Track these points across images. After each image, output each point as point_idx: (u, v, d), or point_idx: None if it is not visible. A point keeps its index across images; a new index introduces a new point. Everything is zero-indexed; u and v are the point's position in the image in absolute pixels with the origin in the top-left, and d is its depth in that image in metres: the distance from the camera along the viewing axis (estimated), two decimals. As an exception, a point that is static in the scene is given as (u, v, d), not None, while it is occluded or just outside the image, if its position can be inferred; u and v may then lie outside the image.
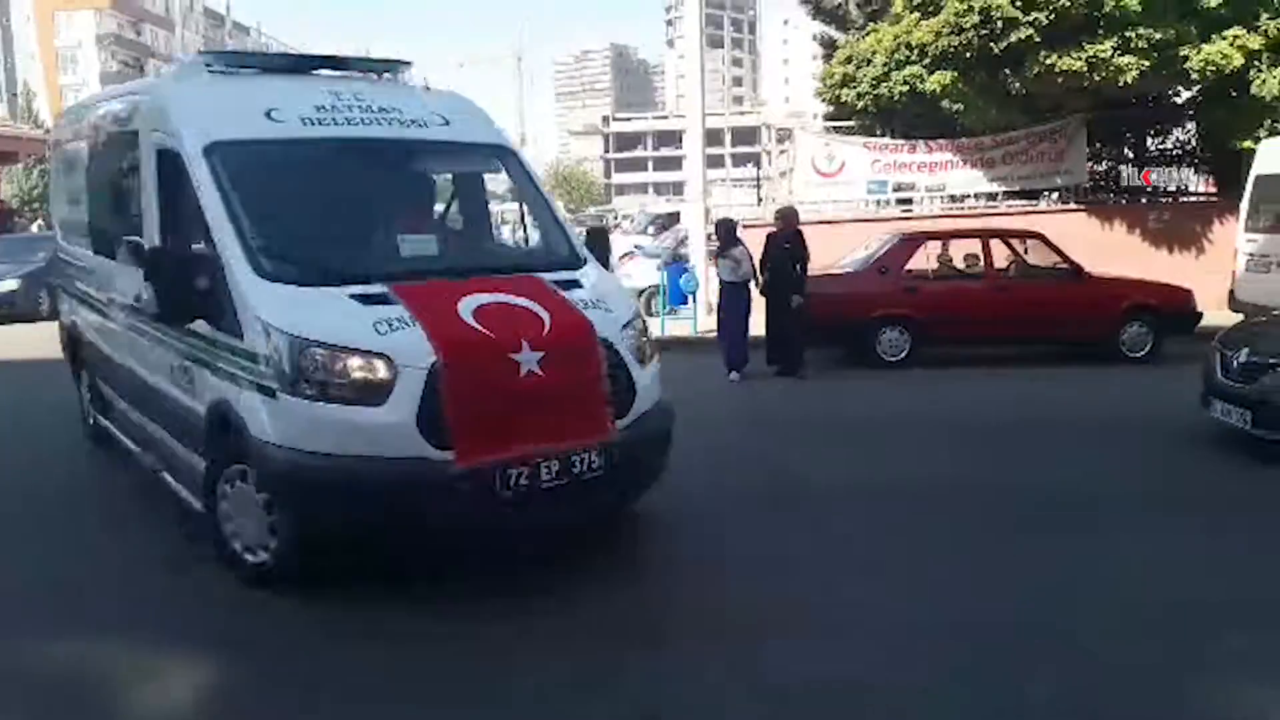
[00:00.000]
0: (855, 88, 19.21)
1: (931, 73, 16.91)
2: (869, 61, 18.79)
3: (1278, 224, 12.33)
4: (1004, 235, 12.96)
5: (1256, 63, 15.26)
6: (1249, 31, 15.04)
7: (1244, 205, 13.05)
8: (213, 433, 5.28)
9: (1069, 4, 14.72)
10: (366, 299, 5.00)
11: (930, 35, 16.41)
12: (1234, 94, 15.83)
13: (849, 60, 19.63)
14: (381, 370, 4.71)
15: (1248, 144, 14.79)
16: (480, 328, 4.97)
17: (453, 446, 4.70)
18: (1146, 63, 15.03)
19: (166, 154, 5.69)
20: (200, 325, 5.32)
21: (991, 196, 18.38)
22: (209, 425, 5.30)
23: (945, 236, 13.18)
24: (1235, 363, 7.77)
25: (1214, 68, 15.00)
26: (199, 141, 5.45)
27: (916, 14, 17.13)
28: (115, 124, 6.78)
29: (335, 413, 4.72)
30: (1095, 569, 5.38)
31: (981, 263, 12.50)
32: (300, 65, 6.55)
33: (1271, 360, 7.53)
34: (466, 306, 5.07)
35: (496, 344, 4.93)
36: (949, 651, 4.44)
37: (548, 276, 5.67)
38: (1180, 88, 16.84)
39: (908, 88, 17.68)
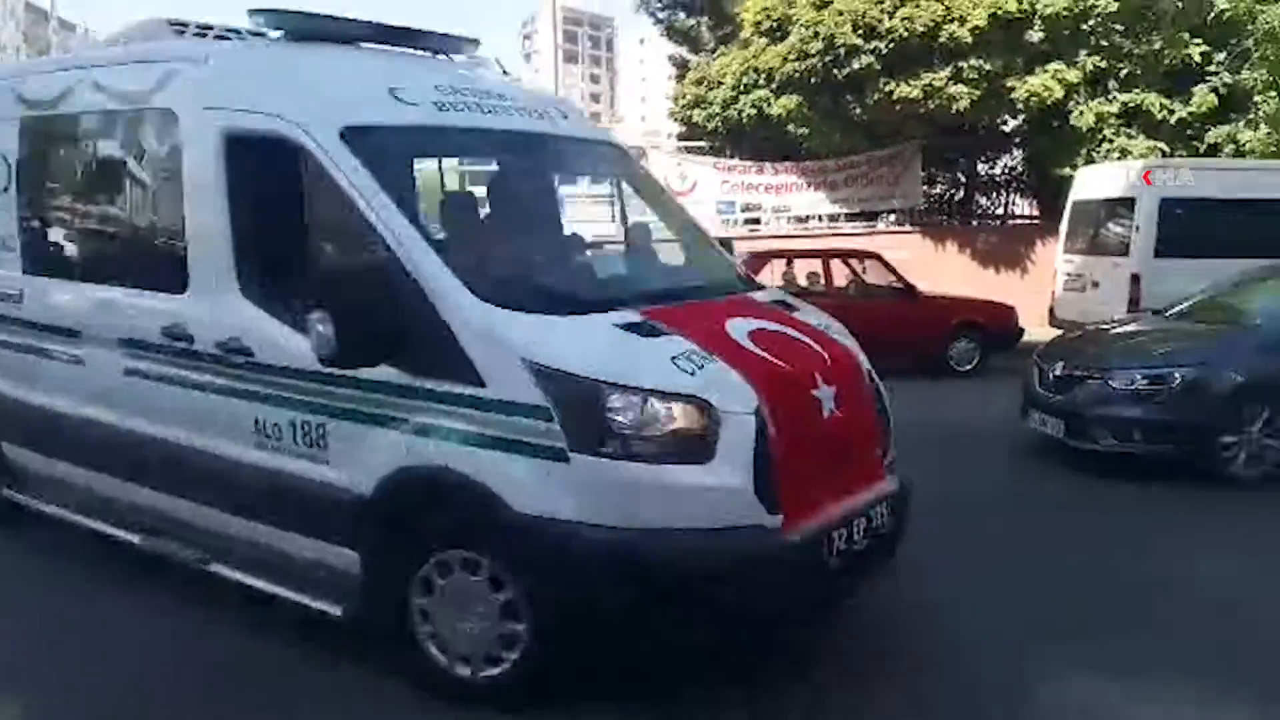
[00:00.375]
0: (706, 109, 19.66)
1: (778, 97, 17.48)
2: (719, 84, 19.27)
3: (1092, 246, 13.18)
4: (844, 255, 13.48)
5: (1075, 95, 16.35)
6: (1069, 66, 16.12)
7: (1062, 228, 13.91)
8: (399, 512, 3.97)
9: (907, 34, 15.48)
10: (633, 328, 3.95)
11: (777, 60, 16.96)
12: (1055, 124, 16.90)
13: (700, 82, 20.10)
14: (704, 418, 3.70)
15: (1067, 171, 15.79)
16: (776, 360, 4.08)
17: (781, 509, 3.77)
18: (977, 92, 15.94)
19: (251, 140, 4.31)
20: (380, 371, 3.93)
21: (834, 218, 19.08)
22: (388, 502, 3.97)
23: (789, 255, 13.60)
24: (1051, 376, 8.25)
25: (1037, 98, 16.02)
26: (329, 124, 4.12)
27: (765, 39, 17.67)
28: (111, 101, 5.00)
29: (649, 475, 3.64)
30: (937, 573, 5.59)
31: (823, 281, 12.94)
32: (381, 36, 5.00)
33: (1083, 373, 8.04)
34: (740, 334, 4.16)
35: (799, 379, 4.07)
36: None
37: (760, 298, 4.84)
38: (1008, 117, 17.87)
39: (756, 111, 18.20)
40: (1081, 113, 16.33)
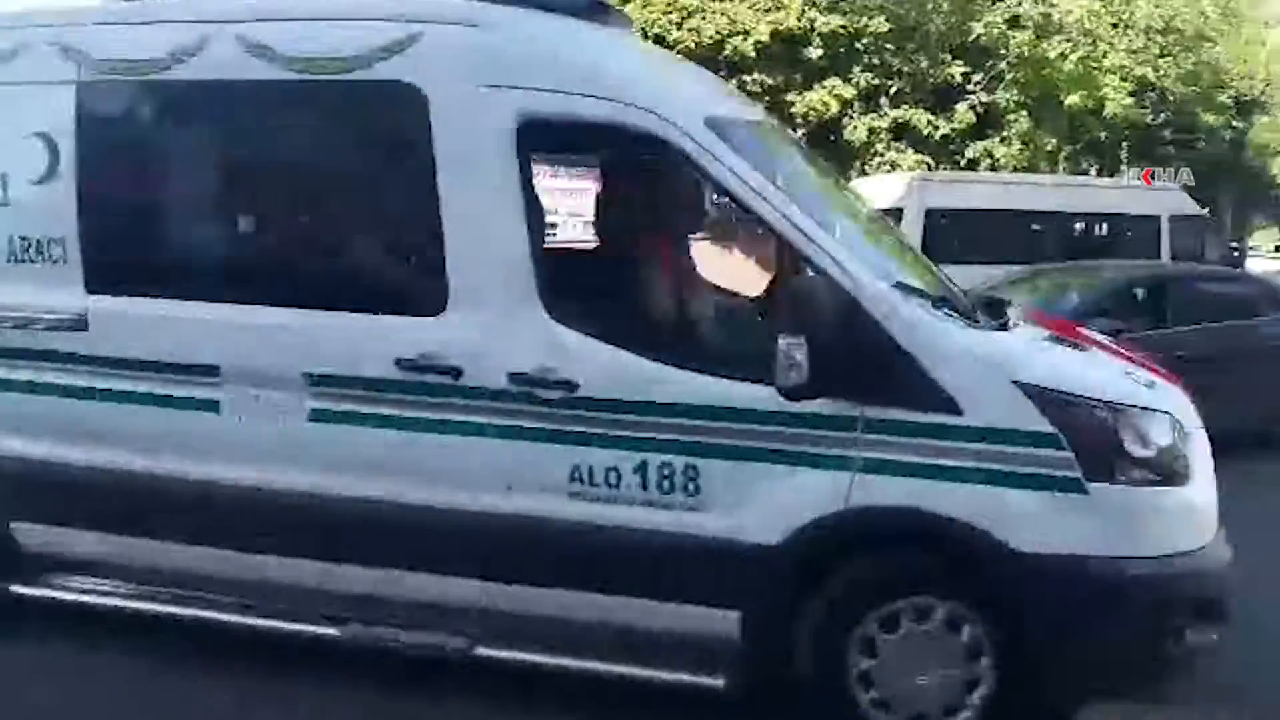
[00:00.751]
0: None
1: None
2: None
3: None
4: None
5: (849, 111, 17.25)
6: (844, 83, 16.99)
7: (839, 237, 14.62)
8: (828, 560, 3.40)
9: (694, 46, 15.91)
10: (1059, 342, 3.70)
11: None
12: (831, 138, 17.77)
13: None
14: (1181, 436, 3.42)
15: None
16: (1163, 371, 3.93)
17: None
18: (759, 106, 16.54)
19: (567, 129, 3.71)
20: (817, 403, 3.30)
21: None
22: (809, 550, 3.38)
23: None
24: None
25: (815, 113, 16.80)
26: (693, 114, 3.48)
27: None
28: (281, 67, 3.70)
29: (1156, 499, 3.37)
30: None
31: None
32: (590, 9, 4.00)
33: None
34: (1109, 343, 4.04)
35: (1183, 390, 3.91)
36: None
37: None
38: (789, 130, 18.61)
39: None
40: (855, 127, 17.24)
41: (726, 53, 16.07)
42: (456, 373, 3.45)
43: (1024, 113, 17.65)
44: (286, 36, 3.63)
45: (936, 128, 17.54)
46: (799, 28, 16.48)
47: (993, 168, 17.33)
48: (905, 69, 17.54)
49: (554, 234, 3.97)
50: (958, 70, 17.33)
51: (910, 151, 17.45)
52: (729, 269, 3.76)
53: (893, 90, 17.64)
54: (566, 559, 3.48)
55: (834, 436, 3.27)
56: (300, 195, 3.98)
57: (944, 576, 3.35)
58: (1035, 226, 12.70)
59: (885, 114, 17.51)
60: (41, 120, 3.80)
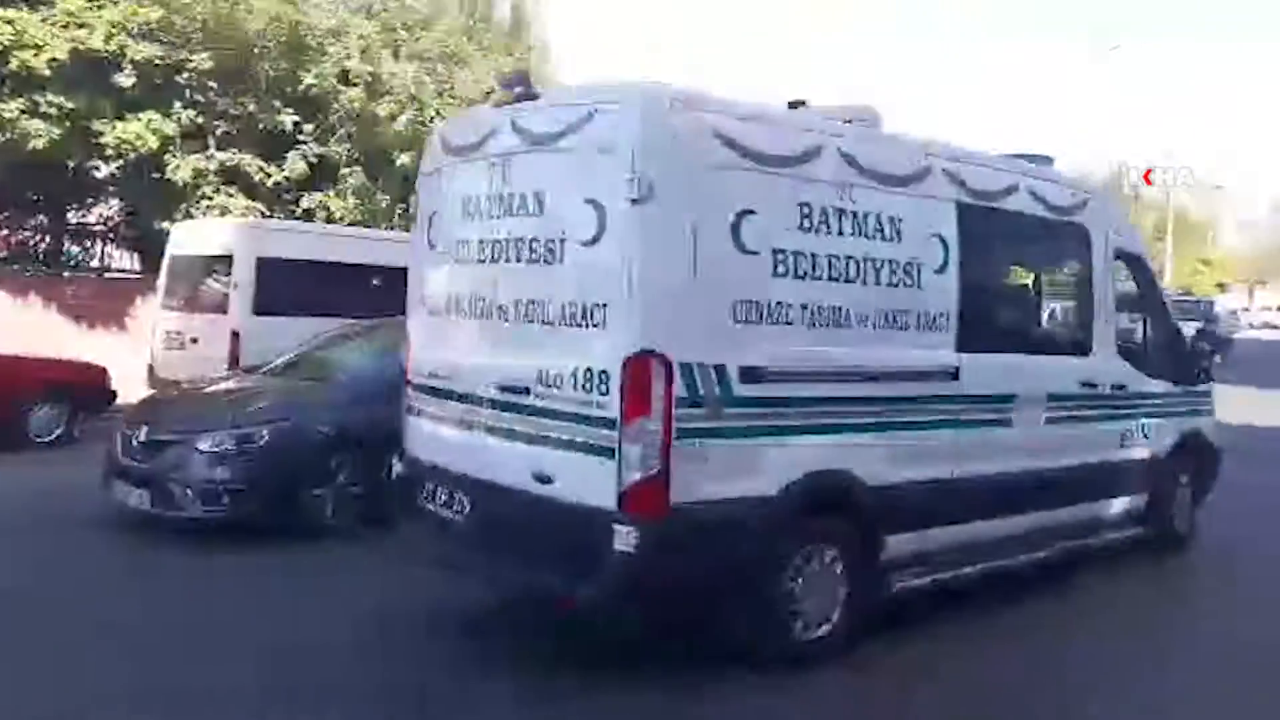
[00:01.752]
0: None
1: None
2: None
3: (191, 303, 12.73)
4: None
5: (172, 149, 15.82)
6: (164, 117, 15.55)
7: (160, 284, 13.22)
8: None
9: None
10: None
11: None
12: (155, 176, 16.14)
13: None
14: None
15: (169, 225, 14.97)
16: None
17: None
18: (59, 131, 14.48)
19: (1123, 254, 7.63)
20: None
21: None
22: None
23: None
24: (135, 441, 7.54)
25: (129, 146, 15.13)
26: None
27: None
28: (1041, 209, 6.81)
29: None
30: None
31: None
32: None
33: (169, 437, 7.46)
34: None
35: None
36: None
37: None
38: (100, 162, 16.37)
39: None
40: (178, 167, 15.86)
41: (12, 66, 13.76)
42: (1094, 385, 7.06)
43: (358, 167, 17.68)
44: (1051, 192, 6.92)
45: (269, 175, 16.80)
46: (107, 51, 14.73)
47: (329, 219, 17.04)
48: (233, 111, 16.63)
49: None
50: (289, 118, 16.80)
51: (241, 197, 16.47)
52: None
53: (219, 131, 16.59)
54: (1107, 482, 7.28)
55: (1176, 401, 7.96)
56: (1041, 288, 7.60)
57: None
58: (350, 279, 12.45)
59: (212, 156, 16.35)
60: (938, 226, 5.96)
